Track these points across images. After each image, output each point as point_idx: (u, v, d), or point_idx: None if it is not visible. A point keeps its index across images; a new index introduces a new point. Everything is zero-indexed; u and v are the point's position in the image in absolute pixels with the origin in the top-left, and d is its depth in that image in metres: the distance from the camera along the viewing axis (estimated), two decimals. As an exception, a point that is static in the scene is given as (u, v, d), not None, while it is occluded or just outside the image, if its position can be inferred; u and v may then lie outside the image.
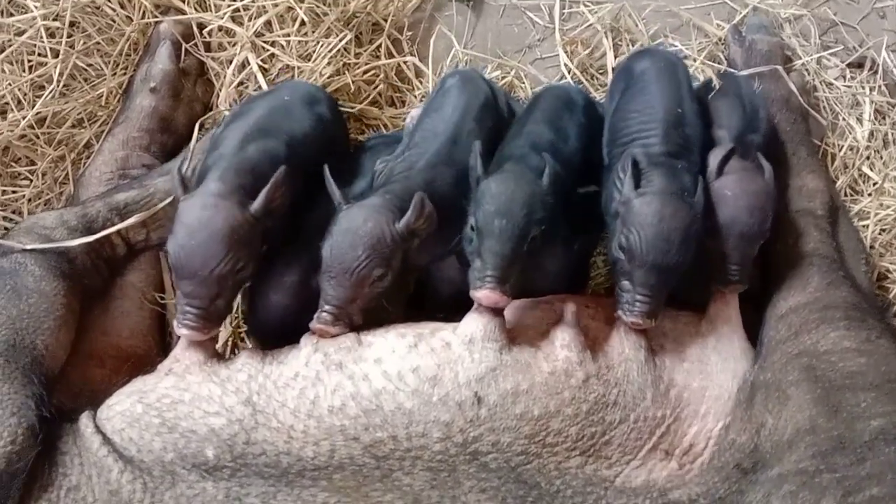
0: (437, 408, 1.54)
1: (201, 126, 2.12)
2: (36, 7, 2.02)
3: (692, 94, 1.90)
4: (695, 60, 2.30)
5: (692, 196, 1.64)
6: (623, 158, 1.70)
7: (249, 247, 1.62)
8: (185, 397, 1.59)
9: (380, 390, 1.56)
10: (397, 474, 1.55)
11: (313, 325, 1.63)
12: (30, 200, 2.13)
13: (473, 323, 1.60)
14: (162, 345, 1.97)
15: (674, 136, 1.75)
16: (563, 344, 1.61)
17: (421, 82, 2.35)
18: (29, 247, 1.72)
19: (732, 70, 2.17)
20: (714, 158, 1.77)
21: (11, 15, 2.05)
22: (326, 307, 1.62)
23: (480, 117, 1.90)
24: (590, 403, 1.58)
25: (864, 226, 2.09)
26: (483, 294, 1.55)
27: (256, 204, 1.62)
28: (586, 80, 2.31)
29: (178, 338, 1.68)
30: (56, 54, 2.07)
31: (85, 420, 1.58)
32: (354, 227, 1.61)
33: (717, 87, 2.09)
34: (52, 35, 2.07)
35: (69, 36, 2.10)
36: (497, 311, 1.61)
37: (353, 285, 1.61)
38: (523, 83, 2.34)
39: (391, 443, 1.54)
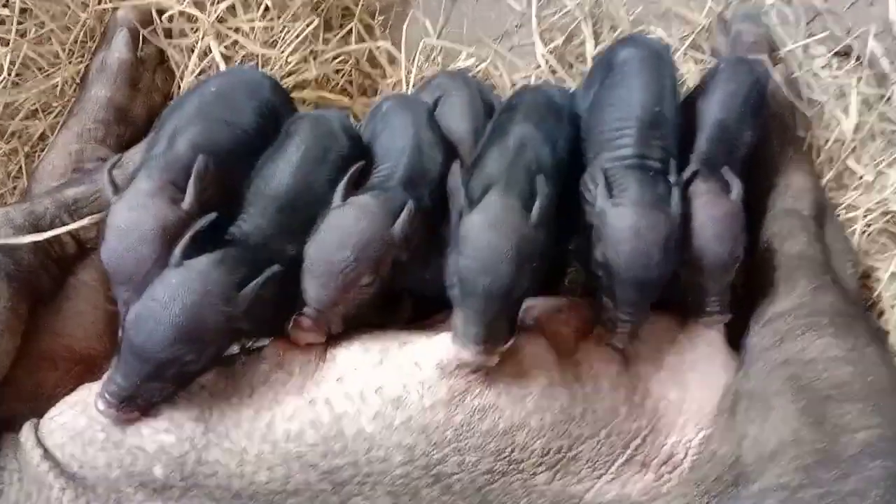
0: (400, 431, 1.48)
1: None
2: (-16, -7, 1.96)
3: (674, 89, 1.77)
4: (677, 50, 2.22)
5: (667, 203, 1.56)
6: (592, 167, 1.63)
7: None
8: (132, 410, 1.51)
9: (340, 415, 1.49)
10: (356, 500, 1.48)
11: (288, 329, 1.54)
12: (-19, 195, 2.08)
13: (447, 349, 1.51)
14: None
15: (649, 138, 1.66)
16: (523, 343, 1.55)
17: (394, 69, 2.28)
18: None
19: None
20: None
21: (-42, 3, 1.98)
22: (305, 310, 1.53)
23: (432, 125, 1.80)
24: (554, 414, 1.52)
25: (849, 219, 2.02)
26: (465, 356, 1.46)
27: (187, 199, 1.57)
28: (563, 68, 2.24)
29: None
30: (6, 43, 2.00)
31: (26, 432, 1.51)
32: (345, 226, 1.52)
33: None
34: (1, 23, 2.01)
35: (20, 23, 2.04)
36: None
37: (337, 288, 1.51)
38: (499, 70, 2.27)
39: (351, 469, 1.48)
